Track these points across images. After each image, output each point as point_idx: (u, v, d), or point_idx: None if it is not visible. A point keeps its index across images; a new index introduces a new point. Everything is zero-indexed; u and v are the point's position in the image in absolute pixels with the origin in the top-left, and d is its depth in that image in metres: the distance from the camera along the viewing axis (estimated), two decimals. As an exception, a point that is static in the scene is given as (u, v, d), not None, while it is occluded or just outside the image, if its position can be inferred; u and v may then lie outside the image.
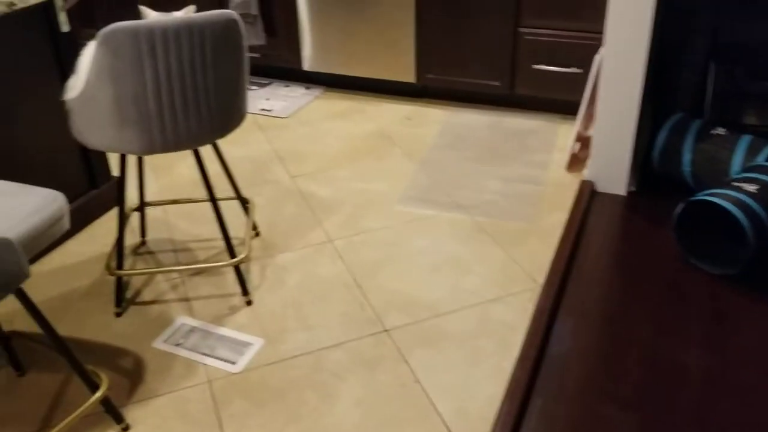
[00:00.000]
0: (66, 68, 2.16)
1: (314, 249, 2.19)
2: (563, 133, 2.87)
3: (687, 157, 2.38)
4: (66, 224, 1.36)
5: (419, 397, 1.63)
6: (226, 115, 1.72)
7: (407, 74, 3.13)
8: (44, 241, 1.29)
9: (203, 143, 1.71)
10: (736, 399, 1.01)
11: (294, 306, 1.94)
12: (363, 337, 1.82)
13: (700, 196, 2.01)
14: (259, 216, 2.38)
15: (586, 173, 2.46)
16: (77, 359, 1.47)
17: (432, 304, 1.93)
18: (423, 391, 1.65)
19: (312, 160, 2.75)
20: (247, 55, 1.76)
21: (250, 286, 2.02)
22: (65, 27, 2.13)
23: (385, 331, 1.84)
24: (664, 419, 0.92)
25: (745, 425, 0.92)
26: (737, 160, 2.28)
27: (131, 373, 1.72)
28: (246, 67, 1.76)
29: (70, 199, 2.28)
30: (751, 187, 2.08)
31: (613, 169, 2.44)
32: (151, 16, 1.76)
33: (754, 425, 0.90)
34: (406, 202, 2.43)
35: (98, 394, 1.50)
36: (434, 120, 3.04)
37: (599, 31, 2.72)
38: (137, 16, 1.75)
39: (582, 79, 2.82)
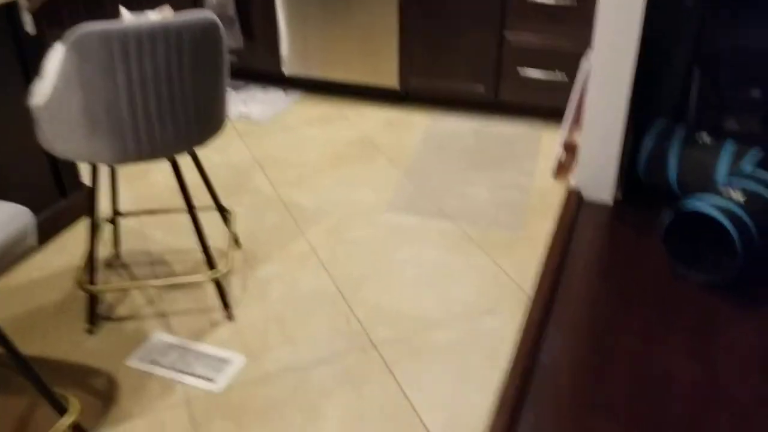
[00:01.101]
0: (30, 71, 2.06)
1: (297, 260, 2.12)
2: (548, 140, 2.84)
3: (673, 164, 2.36)
4: (32, 242, 1.28)
5: (407, 413, 1.57)
6: (205, 122, 1.64)
7: (390, 79, 3.07)
8: (7, 261, 1.20)
9: (179, 152, 1.63)
10: (724, 411, 0.98)
11: (277, 321, 1.86)
12: (349, 352, 1.75)
13: (688, 205, 1.98)
14: (239, 226, 2.30)
15: (573, 181, 2.43)
16: (44, 382, 1.38)
17: (419, 317, 1.87)
18: (411, 406, 1.59)
19: (293, 168, 2.67)
20: (227, 59, 1.68)
21: (230, 300, 1.94)
22: (29, 28, 2.03)
23: (372, 345, 1.77)
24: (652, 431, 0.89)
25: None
26: (723, 167, 2.26)
27: (104, 394, 1.63)
28: (226, 72, 1.69)
29: (38, 209, 2.17)
30: (739, 196, 2.06)
31: (600, 177, 2.41)
32: (125, 18, 1.68)
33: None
34: (392, 211, 2.37)
35: (67, 419, 1.41)
36: (418, 126, 2.98)
37: (585, 37, 2.69)
38: (107, 16, 1.66)
39: (566, 85, 2.79)
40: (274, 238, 2.23)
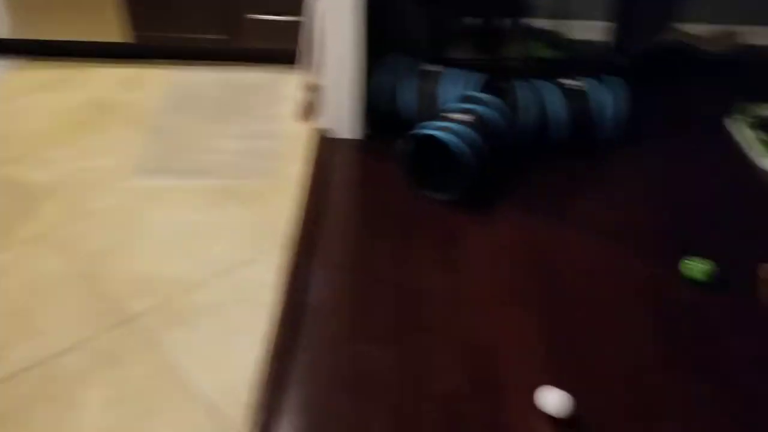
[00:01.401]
0: None
1: (31, 244, 1.91)
2: (292, 84, 2.86)
3: (405, 96, 2.52)
4: None
5: (178, 382, 1.53)
6: None
7: (119, 33, 2.83)
8: None
9: None
10: (476, 312, 1.11)
11: (15, 314, 1.68)
12: (105, 330, 1.65)
13: (416, 132, 2.15)
14: (-47, 217, 2.00)
15: (320, 121, 2.49)
16: None
17: (179, 280, 1.81)
18: (182, 373, 1.55)
19: (16, 143, 2.37)
20: None
21: (-48, 303, 1.70)
22: None
23: (130, 319, 1.69)
24: (419, 345, 0.99)
25: (482, 336, 1.03)
26: (448, 94, 2.48)
27: None
28: None
29: None
30: (463, 116, 2.28)
31: (345, 115, 2.48)
32: None
33: (490, 332, 1.02)
34: (138, 176, 2.23)
35: None
36: (156, 82, 2.81)
37: (313, -22, 2.72)
38: None
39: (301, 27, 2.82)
40: (2, 224, 1.98)
